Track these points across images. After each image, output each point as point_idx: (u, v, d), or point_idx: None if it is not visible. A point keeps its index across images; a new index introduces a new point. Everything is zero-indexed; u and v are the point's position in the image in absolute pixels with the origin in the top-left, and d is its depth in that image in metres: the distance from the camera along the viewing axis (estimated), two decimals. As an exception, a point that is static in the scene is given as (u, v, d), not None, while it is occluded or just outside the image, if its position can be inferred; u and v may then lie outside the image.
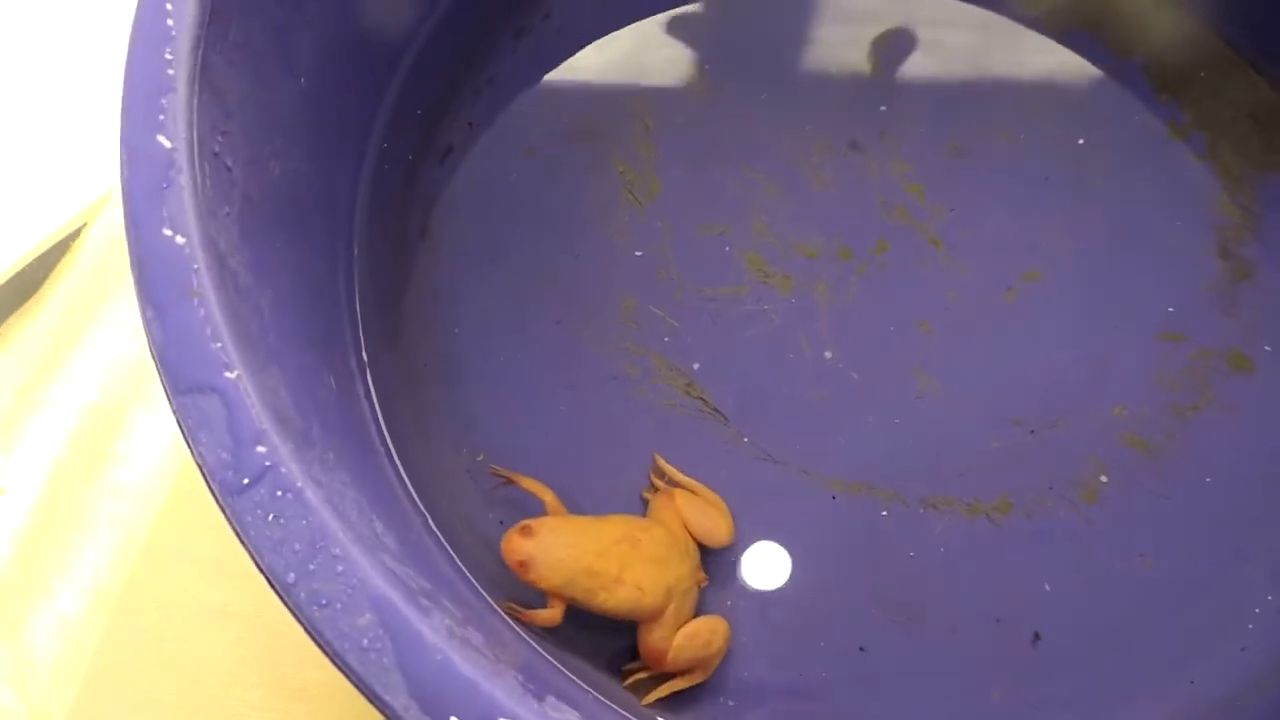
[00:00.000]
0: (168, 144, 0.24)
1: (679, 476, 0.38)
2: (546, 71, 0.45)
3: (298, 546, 0.21)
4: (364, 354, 0.36)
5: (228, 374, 0.22)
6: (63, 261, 0.45)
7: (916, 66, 0.46)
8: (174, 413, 0.22)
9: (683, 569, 0.34)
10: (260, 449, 0.21)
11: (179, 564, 0.40)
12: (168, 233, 0.23)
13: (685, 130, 0.44)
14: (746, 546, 0.37)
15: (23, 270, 0.44)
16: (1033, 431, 0.39)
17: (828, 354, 0.40)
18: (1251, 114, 0.44)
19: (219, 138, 0.27)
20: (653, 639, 0.34)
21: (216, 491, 0.21)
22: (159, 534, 0.41)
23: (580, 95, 0.44)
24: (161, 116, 0.25)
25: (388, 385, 0.37)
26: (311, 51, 0.33)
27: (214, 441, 0.21)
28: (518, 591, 0.34)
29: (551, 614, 0.33)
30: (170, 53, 0.25)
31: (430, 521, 0.34)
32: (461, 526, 0.36)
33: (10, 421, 0.42)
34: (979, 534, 0.38)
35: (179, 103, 0.25)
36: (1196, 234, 0.42)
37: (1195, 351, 0.40)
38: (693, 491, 0.37)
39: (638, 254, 0.42)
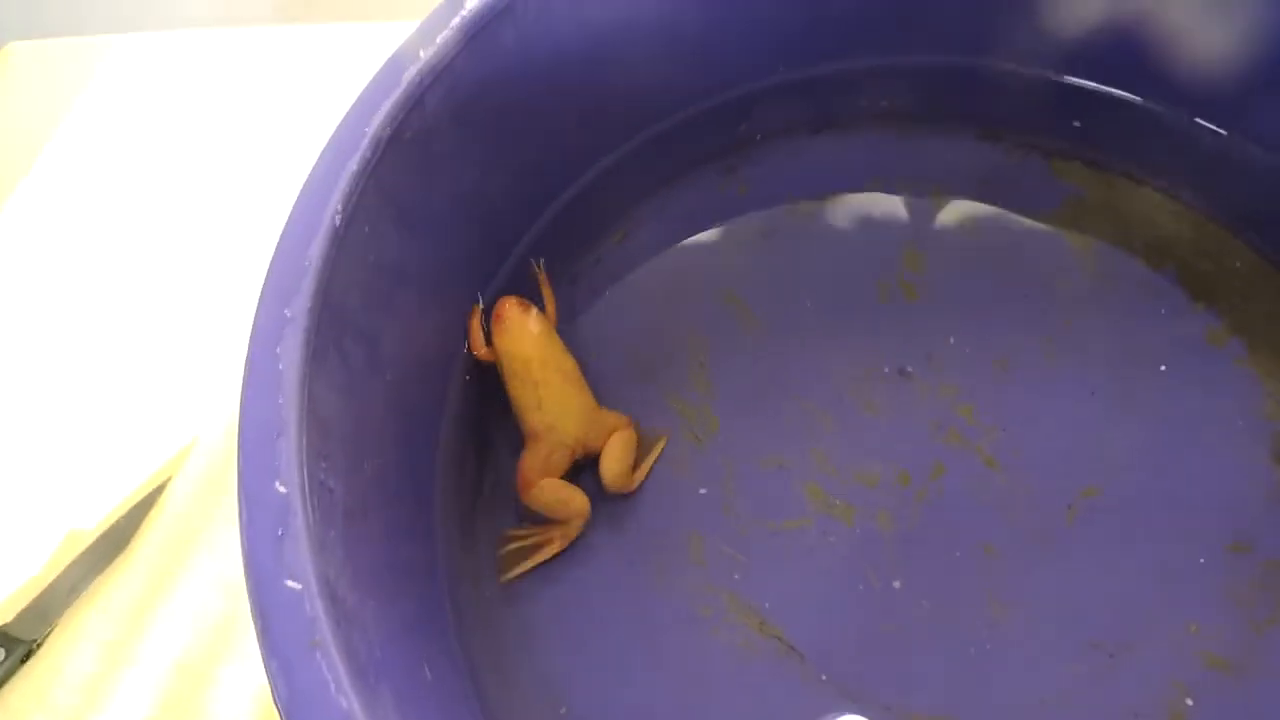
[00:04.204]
0: (283, 489, 0.26)
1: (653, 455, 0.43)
2: (600, 319, 0.47)
3: None
4: (452, 626, 0.38)
5: (350, 724, 0.23)
6: (149, 516, 0.47)
7: (952, 284, 0.48)
8: (300, 765, 0.23)
9: (576, 430, 0.41)
10: (383, 802, 0.22)
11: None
12: (288, 583, 0.25)
13: (738, 364, 0.46)
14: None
15: (112, 527, 0.46)
16: (1111, 655, 0.39)
17: (896, 584, 0.41)
18: (1286, 317, 0.45)
19: (322, 464, 0.29)
20: (525, 464, 0.40)
21: None
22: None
23: (635, 339, 0.47)
24: (276, 461, 0.27)
25: (472, 646, 0.39)
26: (397, 344, 0.36)
27: (340, 796, 0.22)
28: None
29: (484, 349, 0.42)
30: (282, 397, 0.28)
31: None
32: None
33: (99, 681, 0.43)
34: (1069, 769, 0.37)
35: (290, 444, 0.27)
36: (1248, 441, 0.43)
37: (1265, 562, 0.40)
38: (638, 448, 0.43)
39: (702, 491, 0.43)
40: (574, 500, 0.41)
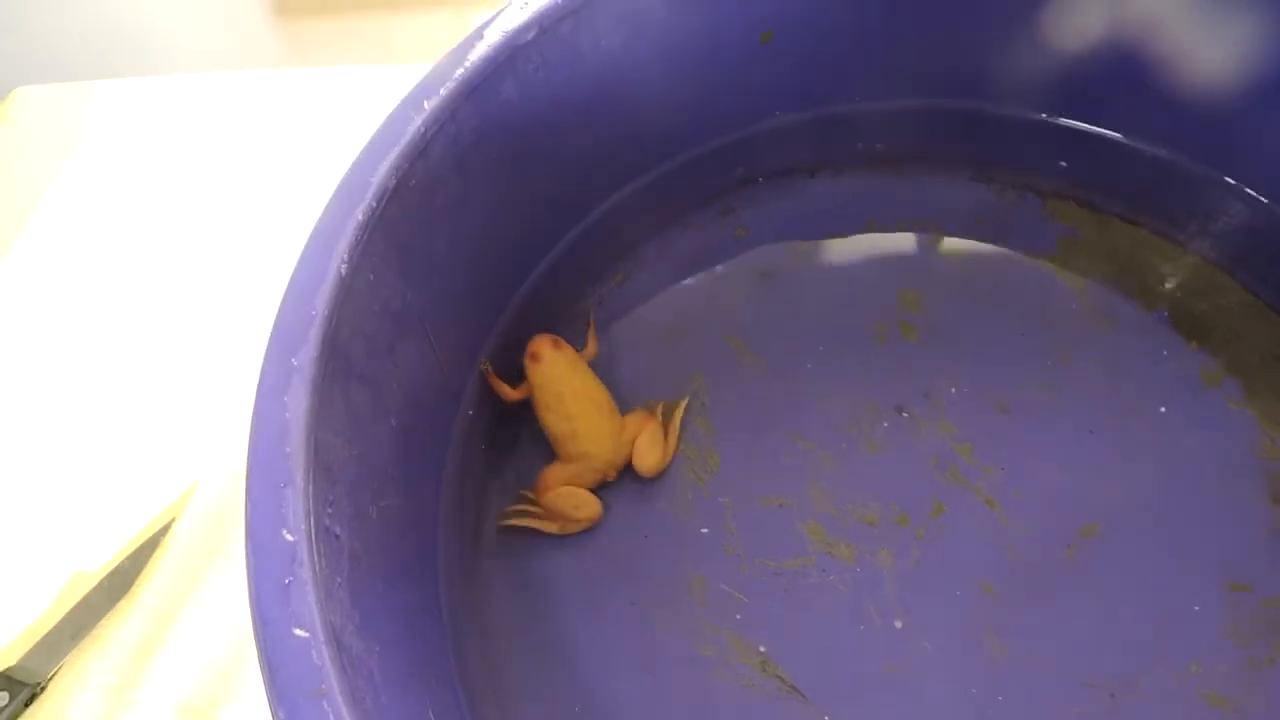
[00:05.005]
0: (290, 537, 0.27)
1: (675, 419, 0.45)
2: (603, 359, 0.48)
3: None
4: (456, 671, 0.38)
5: (356, 774, 0.23)
6: (154, 557, 0.47)
7: (949, 324, 0.48)
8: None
9: (609, 455, 0.43)
10: None
11: None
12: (296, 631, 0.25)
13: (738, 404, 0.47)
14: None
15: (116, 568, 0.46)
16: (1113, 695, 0.39)
17: (898, 623, 0.41)
18: (1279, 356, 0.46)
19: (328, 510, 0.29)
20: (550, 473, 0.43)
21: None
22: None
23: (637, 379, 0.47)
24: (283, 509, 0.27)
25: (477, 691, 0.39)
26: (402, 389, 0.37)
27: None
28: None
29: (513, 393, 0.44)
30: (289, 446, 0.28)
31: None
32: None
33: (102, 724, 0.43)
34: (1072, 811, 0.37)
35: (297, 493, 0.27)
36: (1246, 480, 0.43)
37: (1264, 600, 0.41)
38: (667, 425, 0.45)
39: (703, 531, 0.44)
40: (586, 506, 0.43)
